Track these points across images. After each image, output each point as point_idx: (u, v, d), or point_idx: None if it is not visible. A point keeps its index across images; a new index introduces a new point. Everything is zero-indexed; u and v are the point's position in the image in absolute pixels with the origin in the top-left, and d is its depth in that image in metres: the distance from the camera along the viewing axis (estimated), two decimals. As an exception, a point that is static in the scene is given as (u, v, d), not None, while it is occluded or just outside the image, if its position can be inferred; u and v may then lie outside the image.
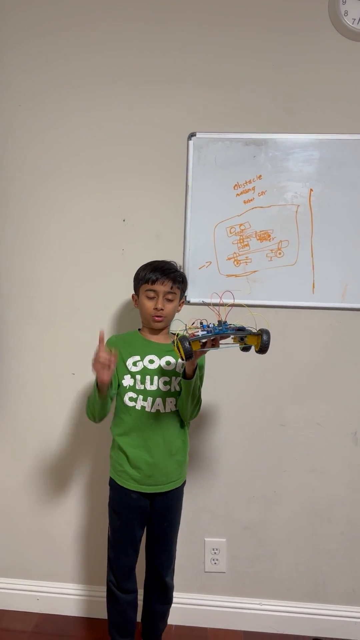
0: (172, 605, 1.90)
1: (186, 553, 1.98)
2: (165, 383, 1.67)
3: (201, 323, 1.52)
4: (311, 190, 1.91)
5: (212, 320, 1.56)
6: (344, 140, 1.90)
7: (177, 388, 1.68)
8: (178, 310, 1.76)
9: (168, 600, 1.81)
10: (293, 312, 1.95)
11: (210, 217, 1.95)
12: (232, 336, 1.53)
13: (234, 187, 1.93)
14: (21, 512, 2.08)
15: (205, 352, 1.58)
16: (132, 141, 1.97)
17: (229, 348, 1.55)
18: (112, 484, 1.72)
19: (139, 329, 1.78)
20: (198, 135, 1.93)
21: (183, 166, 1.94)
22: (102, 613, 2.01)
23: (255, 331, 1.52)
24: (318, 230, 1.92)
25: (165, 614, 1.83)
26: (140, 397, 1.65)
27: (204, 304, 1.89)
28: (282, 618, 1.99)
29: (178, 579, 1.89)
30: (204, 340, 1.49)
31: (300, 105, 1.92)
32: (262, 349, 1.49)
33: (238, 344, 1.56)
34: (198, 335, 1.49)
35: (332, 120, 1.91)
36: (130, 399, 1.66)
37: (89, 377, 1.98)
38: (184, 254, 1.96)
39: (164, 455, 1.67)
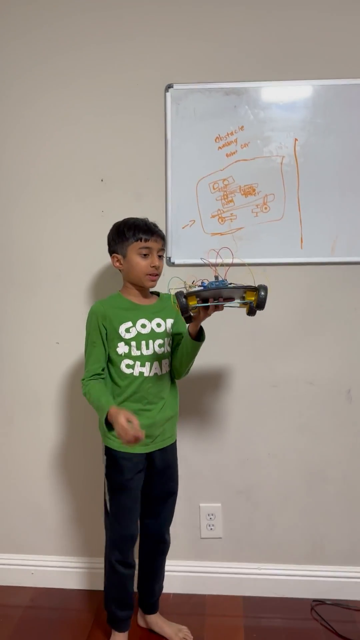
0: (170, 573, 1.88)
1: (182, 520, 1.94)
2: (159, 346, 1.63)
3: (202, 282, 1.47)
4: (296, 139, 1.83)
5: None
6: (328, 85, 1.82)
7: (169, 348, 1.66)
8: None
9: (164, 559, 1.78)
10: (281, 269, 1.89)
11: (191, 173, 1.87)
12: (236, 299, 1.48)
13: (216, 140, 1.85)
14: (11, 487, 2.04)
15: (208, 314, 1.51)
16: (106, 97, 1.88)
17: (232, 307, 1.50)
18: (110, 452, 1.63)
19: (120, 292, 1.71)
20: (175, 86, 1.85)
21: (161, 120, 1.86)
22: (98, 585, 1.99)
23: (254, 286, 1.46)
24: (304, 182, 1.85)
25: (162, 574, 1.80)
26: (138, 363, 1.61)
27: (204, 264, 1.81)
28: (281, 581, 1.96)
29: (174, 546, 1.86)
30: (203, 297, 1.44)
31: (281, 51, 1.84)
32: (259, 304, 1.44)
33: (244, 308, 1.51)
34: (195, 289, 1.44)
35: (315, 66, 1.83)
36: (127, 366, 1.61)
37: (74, 345, 1.95)
38: (166, 213, 1.88)
39: (163, 415, 1.64)
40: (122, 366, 1.61)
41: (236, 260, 1.79)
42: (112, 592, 1.71)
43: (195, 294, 1.43)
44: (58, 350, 1.97)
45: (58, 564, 2.04)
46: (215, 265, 1.52)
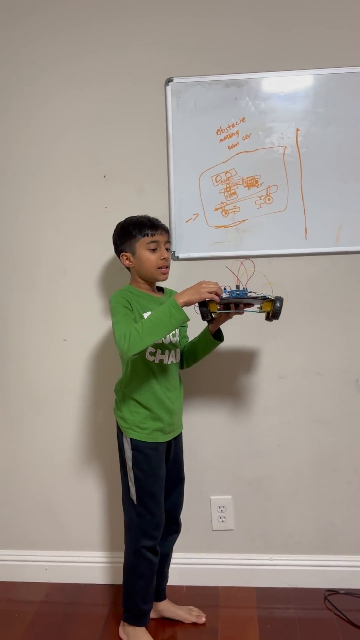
0: (183, 566, 1.90)
1: (193, 513, 1.95)
2: (173, 335, 1.68)
3: (224, 289, 1.56)
4: (297, 130, 1.83)
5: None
6: (328, 74, 1.81)
7: (178, 338, 1.72)
8: None
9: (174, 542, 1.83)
10: (286, 260, 1.89)
11: (194, 167, 1.87)
12: (255, 304, 1.59)
13: (217, 133, 1.85)
14: (23, 484, 2.05)
15: (230, 317, 1.65)
16: (106, 92, 1.88)
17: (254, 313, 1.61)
18: (137, 444, 1.65)
19: (131, 285, 1.72)
20: (175, 80, 1.84)
21: (162, 114, 1.86)
22: (112, 579, 2.01)
23: (271, 297, 1.57)
24: (307, 172, 1.84)
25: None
26: (159, 350, 1.64)
27: (209, 258, 1.90)
28: (294, 572, 1.96)
29: (186, 539, 1.87)
30: (223, 303, 1.55)
31: (281, 41, 1.83)
32: (274, 314, 1.56)
33: (263, 313, 1.60)
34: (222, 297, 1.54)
35: (315, 55, 1.82)
36: (151, 353, 1.64)
37: (81, 342, 1.95)
38: (169, 207, 1.88)
39: (178, 403, 1.71)
40: (146, 353, 1.63)
41: (233, 253, 1.87)
42: (138, 584, 1.68)
43: (216, 302, 1.55)
44: (66, 347, 1.98)
45: (72, 559, 2.05)
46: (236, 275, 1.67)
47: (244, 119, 1.84)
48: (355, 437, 1.92)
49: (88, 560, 2.05)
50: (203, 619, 1.80)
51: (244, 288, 1.58)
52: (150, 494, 1.66)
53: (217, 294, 1.52)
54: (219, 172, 1.86)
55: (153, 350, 1.64)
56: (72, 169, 1.92)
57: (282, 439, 1.94)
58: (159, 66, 1.85)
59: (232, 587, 1.97)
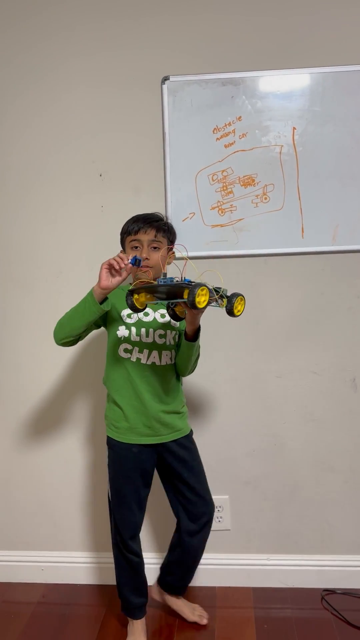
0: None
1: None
2: (160, 336, 1.63)
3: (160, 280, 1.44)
4: (294, 128, 1.82)
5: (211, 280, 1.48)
6: (325, 73, 1.81)
7: (172, 342, 1.65)
8: (169, 262, 1.70)
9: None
10: (283, 259, 1.88)
11: (190, 165, 1.86)
12: (211, 299, 1.40)
13: (213, 131, 1.84)
14: (18, 484, 2.04)
15: (195, 314, 1.51)
16: (102, 90, 1.88)
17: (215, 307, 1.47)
18: (111, 442, 1.67)
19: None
20: (172, 78, 1.84)
21: (158, 113, 1.85)
22: (108, 579, 2.00)
23: (186, 284, 1.36)
24: (304, 171, 1.84)
25: (186, 563, 1.79)
26: (136, 348, 1.61)
27: (204, 257, 1.84)
28: (291, 572, 1.96)
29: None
30: (152, 293, 1.44)
31: (277, 40, 1.82)
32: (191, 304, 1.33)
33: (223, 308, 1.47)
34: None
35: (312, 54, 1.81)
36: (125, 350, 1.62)
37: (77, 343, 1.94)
38: (165, 206, 1.88)
39: (161, 406, 1.63)
40: (120, 350, 1.62)
41: (229, 252, 1.86)
42: (123, 578, 1.72)
43: (142, 290, 1.45)
44: (61, 347, 1.96)
45: (68, 560, 2.04)
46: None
47: (240, 117, 1.83)
48: (351, 436, 1.92)
49: (84, 560, 2.04)
50: (205, 621, 1.78)
51: (172, 277, 1.40)
52: (121, 495, 1.66)
53: (113, 268, 1.46)
54: (215, 170, 1.86)
55: (129, 347, 1.61)
56: (68, 168, 1.91)
57: (279, 439, 1.94)
58: (155, 65, 1.84)
59: (229, 587, 1.97)
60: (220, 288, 1.46)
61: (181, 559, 1.76)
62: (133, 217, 1.67)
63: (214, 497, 1.79)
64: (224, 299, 1.46)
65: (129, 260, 1.48)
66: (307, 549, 1.97)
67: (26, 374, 2.00)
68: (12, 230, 1.96)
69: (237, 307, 1.48)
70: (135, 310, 1.48)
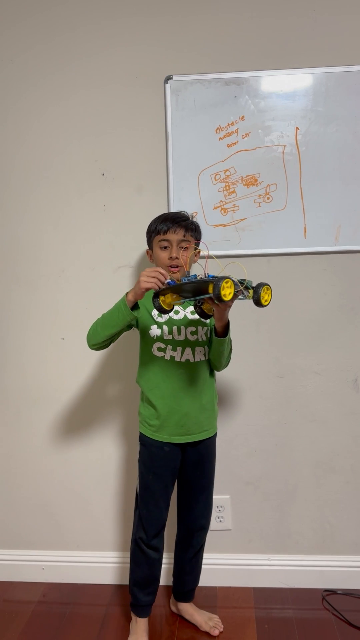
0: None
1: (190, 513, 1.94)
2: (192, 333, 1.63)
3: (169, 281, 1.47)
4: (297, 128, 1.82)
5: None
6: (328, 73, 1.80)
7: (204, 337, 1.65)
8: (195, 261, 1.71)
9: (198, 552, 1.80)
10: (285, 259, 1.88)
11: (193, 165, 1.86)
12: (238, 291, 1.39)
13: (216, 131, 1.84)
14: (19, 483, 2.04)
15: (222, 309, 1.49)
16: (105, 90, 1.87)
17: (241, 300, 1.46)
18: (143, 439, 1.67)
19: None
20: (175, 78, 1.83)
21: (161, 112, 1.85)
22: (109, 579, 2.00)
23: (210, 280, 1.36)
24: (306, 171, 1.83)
25: (193, 566, 1.81)
26: (170, 346, 1.62)
27: (208, 257, 1.80)
28: (292, 572, 1.96)
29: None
30: (177, 293, 1.44)
31: (281, 40, 1.82)
32: (217, 297, 1.33)
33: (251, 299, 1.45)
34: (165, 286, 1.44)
35: (315, 53, 1.81)
36: (159, 349, 1.62)
37: (79, 341, 1.92)
38: (168, 206, 1.88)
39: (195, 404, 1.63)
40: (154, 349, 1.63)
41: (231, 252, 1.85)
42: (137, 574, 1.72)
43: (168, 291, 1.44)
44: (64, 346, 1.97)
45: (68, 559, 2.04)
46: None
47: (243, 117, 1.83)
48: (352, 436, 1.92)
49: (85, 560, 2.04)
50: (216, 632, 1.75)
51: (195, 274, 1.42)
52: (150, 491, 1.67)
53: (162, 282, 1.45)
54: (218, 170, 1.86)
55: (162, 346, 1.62)
56: (71, 167, 1.91)
57: (280, 439, 1.94)
58: (158, 64, 1.84)
59: (230, 587, 1.97)
60: (244, 280, 1.44)
61: (178, 559, 1.79)
62: (161, 217, 1.66)
63: (215, 496, 1.79)
64: (249, 290, 1.44)
65: (167, 281, 1.46)
66: (308, 549, 1.96)
67: (28, 371, 2.00)
68: (14, 229, 1.95)
69: (264, 296, 1.45)
70: (163, 311, 1.48)
